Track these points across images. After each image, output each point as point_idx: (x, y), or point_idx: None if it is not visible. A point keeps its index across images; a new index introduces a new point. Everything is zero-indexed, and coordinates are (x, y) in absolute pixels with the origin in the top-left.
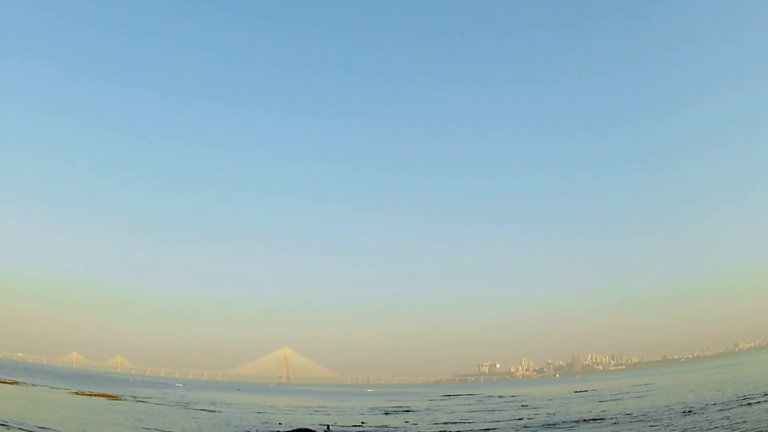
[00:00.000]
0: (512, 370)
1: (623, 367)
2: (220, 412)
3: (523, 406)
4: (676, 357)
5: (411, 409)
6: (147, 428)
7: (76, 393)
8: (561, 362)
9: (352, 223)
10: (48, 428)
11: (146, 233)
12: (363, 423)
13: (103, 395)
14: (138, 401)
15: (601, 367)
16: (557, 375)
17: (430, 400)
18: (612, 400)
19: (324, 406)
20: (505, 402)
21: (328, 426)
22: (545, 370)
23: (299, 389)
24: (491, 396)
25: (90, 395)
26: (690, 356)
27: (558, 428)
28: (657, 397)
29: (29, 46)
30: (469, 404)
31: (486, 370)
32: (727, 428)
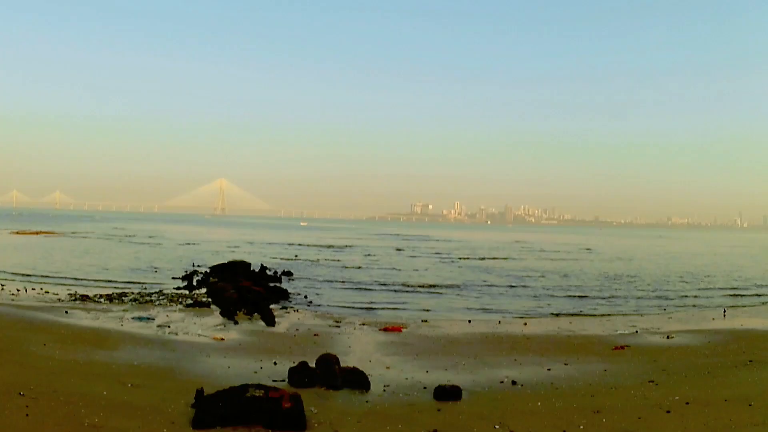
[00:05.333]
0: (444, 212)
1: (555, 221)
2: (160, 244)
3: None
4: (608, 220)
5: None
6: (88, 265)
7: (17, 233)
8: (493, 210)
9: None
10: None
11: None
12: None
13: (44, 232)
14: (78, 236)
15: (533, 219)
16: (489, 222)
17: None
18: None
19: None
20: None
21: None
22: (477, 216)
23: (234, 221)
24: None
25: (31, 234)
26: (622, 221)
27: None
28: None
29: None
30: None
31: (418, 210)
32: None
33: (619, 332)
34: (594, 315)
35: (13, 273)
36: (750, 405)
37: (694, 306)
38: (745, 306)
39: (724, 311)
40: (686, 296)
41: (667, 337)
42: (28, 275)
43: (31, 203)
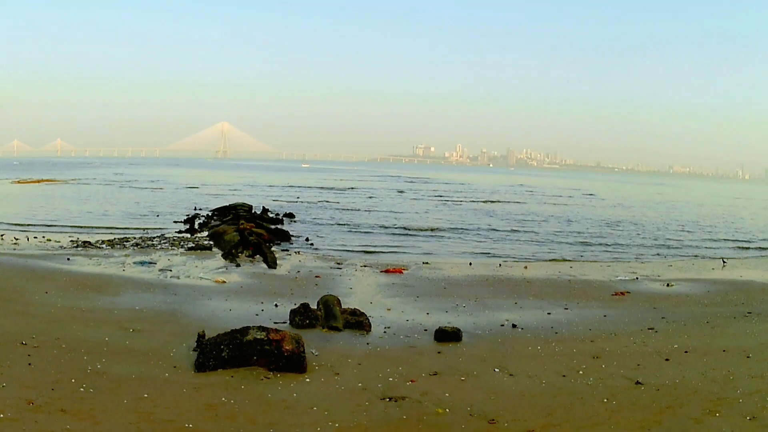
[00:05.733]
0: (446, 155)
1: (556, 166)
2: (161, 189)
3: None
4: (610, 166)
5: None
6: (90, 211)
7: (18, 182)
8: (495, 153)
9: None
10: None
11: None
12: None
13: (45, 181)
14: (80, 183)
15: (535, 163)
16: (491, 165)
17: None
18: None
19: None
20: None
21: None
22: (479, 158)
23: (236, 164)
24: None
25: (32, 182)
26: (624, 167)
27: None
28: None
29: None
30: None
31: (420, 152)
32: None
33: (619, 278)
34: (595, 261)
35: (14, 223)
36: (748, 357)
37: (695, 256)
38: (746, 258)
39: (724, 262)
40: (688, 246)
41: (667, 285)
42: (29, 224)
43: (32, 152)
